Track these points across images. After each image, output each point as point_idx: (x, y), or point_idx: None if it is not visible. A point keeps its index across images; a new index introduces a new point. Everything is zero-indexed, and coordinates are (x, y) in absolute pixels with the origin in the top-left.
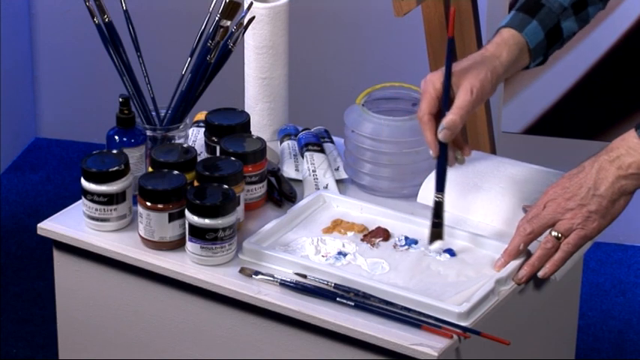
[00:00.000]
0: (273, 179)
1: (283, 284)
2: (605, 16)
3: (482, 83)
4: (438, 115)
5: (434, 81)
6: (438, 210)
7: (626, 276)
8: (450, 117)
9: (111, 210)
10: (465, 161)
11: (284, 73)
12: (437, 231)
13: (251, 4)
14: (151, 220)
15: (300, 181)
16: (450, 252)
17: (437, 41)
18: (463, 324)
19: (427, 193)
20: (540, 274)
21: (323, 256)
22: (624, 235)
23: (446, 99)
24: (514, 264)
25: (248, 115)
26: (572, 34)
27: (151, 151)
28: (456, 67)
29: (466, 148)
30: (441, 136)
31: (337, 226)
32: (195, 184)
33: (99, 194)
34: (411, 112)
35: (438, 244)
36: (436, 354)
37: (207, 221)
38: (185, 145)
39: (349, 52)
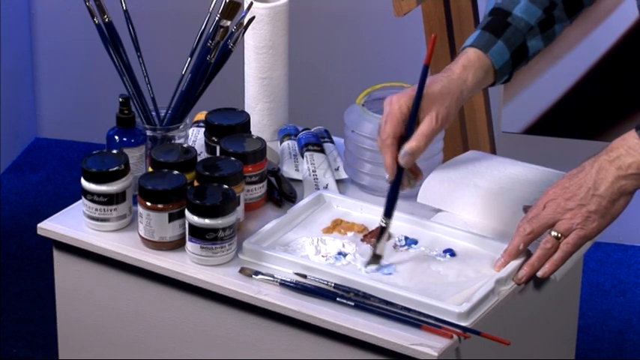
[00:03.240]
0: (273, 179)
1: (283, 284)
2: (605, 16)
3: (448, 110)
4: (400, 139)
5: (400, 104)
6: (381, 235)
7: (626, 276)
8: (414, 143)
9: (111, 210)
10: (415, 186)
11: (284, 73)
12: (378, 256)
13: (251, 4)
14: (150, 220)
15: (300, 181)
16: (450, 252)
17: (437, 41)
18: (463, 324)
19: (427, 193)
20: (540, 274)
21: (323, 256)
22: (624, 235)
23: (412, 123)
24: (514, 264)
25: (248, 115)
26: (537, 51)
27: (151, 151)
28: (425, 89)
29: (419, 174)
30: (402, 161)
31: (337, 226)
32: (195, 184)
33: (99, 194)
34: None
35: (372, 266)
36: (436, 354)
37: (207, 221)
38: (185, 145)
39: (349, 52)
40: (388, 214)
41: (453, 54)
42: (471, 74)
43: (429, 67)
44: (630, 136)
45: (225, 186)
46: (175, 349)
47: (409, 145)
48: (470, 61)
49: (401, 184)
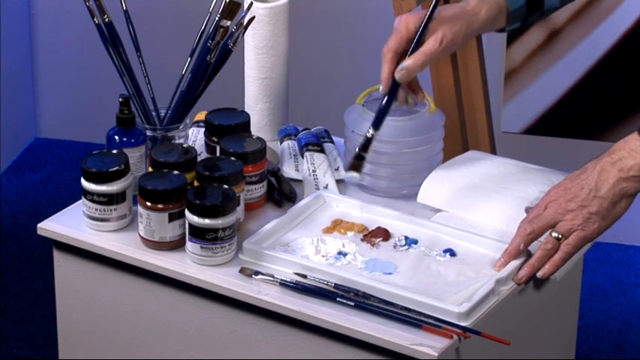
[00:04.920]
0: (273, 179)
1: (283, 284)
2: (605, 16)
3: (455, 36)
4: (401, 55)
5: (408, 22)
6: (366, 145)
7: (626, 276)
8: (412, 61)
9: (111, 210)
10: (414, 105)
11: (284, 73)
12: (357, 163)
13: (251, 4)
14: (150, 220)
15: (300, 181)
16: (450, 252)
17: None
18: (463, 324)
19: (427, 193)
20: (540, 274)
21: (323, 256)
22: (624, 235)
23: (416, 43)
24: (514, 264)
25: (248, 115)
26: (553, 9)
27: (151, 151)
28: (435, 13)
29: (419, 93)
30: (397, 75)
31: (337, 226)
32: (195, 184)
33: (99, 194)
34: (411, 112)
35: (352, 174)
36: (436, 354)
37: (207, 221)
38: (185, 145)
39: (349, 52)
40: (376, 125)
41: (453, 55)
42: (485, 9)
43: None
44: (632, 138)
45: (225, 186)
46: (175, 349)
47: (407, 62)
48: None
49: (397, 99)
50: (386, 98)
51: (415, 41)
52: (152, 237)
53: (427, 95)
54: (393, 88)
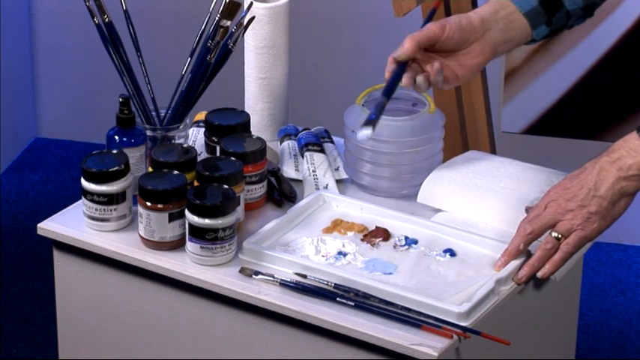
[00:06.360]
0: (273, 179)
1: (283, 284)
2: (605, 16)
3: (460, 22)
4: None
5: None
6: (380, 110)
7: (626, 276)
8: (407, 38)
9: (111, 210)
10: (439, 79)
11: (284, 73)
12: (373, 121)
13: (251, 4)
14: (150, 220)
15: (300, 181)
16: (450, 252)
17: None
18: (463, 324)
19: (427, 193)
20: (540, 274)
21: (323, 256)
22: (624, 235)
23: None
24: (514, 264)
25: (248, 115)
26: (577, 8)
27: (151, 151)
28: (469, 16)
29: (435, 62)
30: (397, 53)
31: (337, 226)
32: (195, 184)
33: (99, 194)
34: (411, 112)
35: (365, 131)
36: (436, 354)
37: (207, 221)
38: (185, 145)
39: (349, 52)
40: (387, 93)
41: None
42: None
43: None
44: (631, 137)
45: (225, 186)
46: (175, 349)
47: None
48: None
49: (403, 82)
50: (394, 73)
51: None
52: (152, 237)
53: (427, 95)
54: (400, 67)
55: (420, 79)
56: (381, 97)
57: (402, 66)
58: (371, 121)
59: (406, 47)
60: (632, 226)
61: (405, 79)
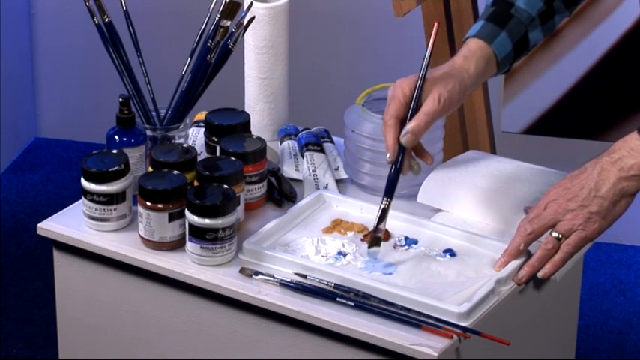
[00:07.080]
0: (273, 179)
1: (283, 284)
2: (605, 16)
3: (451, 94)
4: (403, 121)
5: (403, 87)
6: (382, 217)
7: (626, 276)
8: (416, 123)
9: (111, 210)
10: (419, 172)
11: (284, 73)
12: (378, 237)
13: (251, 4)
14: (150, 220)
15: (300, 181)
16: (450, 252)
17: (437, 41)
18: (463, 324)
19: (427, 193)
20: (540, 274)
21: (323, 256)
22: (624, 235)
23: (415, 106)
24: (514, 264)
25: (248, 115)
26: (537, 43)
27: (151, 151)
28: (427, 75)
29: (428, 156)
30: (404, 140)
31: (337, 226)
32: (195, 184)
33: (99, 194)
34: None
35: (375, 250)
36: (436, 354)
37: (207, 221)
38: (185, 145)
39: (349, 52)
40: (389, 194)
41: (453, 53)
42: (473, 64)
43: (431, 56)
44: (632, 137)
45: (225, 186)
46: (175, 349)
47: (411, 125)
48: (471, 51)
49: (402, 167)
50: (394, 167)
51: (413, 104)
52: (152, 237)
53: None
54: (400, 154)
55: (415, 166)
56: (383, 199)
57: (400, 158)
58: (378, 237)
59: (417, 133)
60: (632, 226)
61: (405, 167)
